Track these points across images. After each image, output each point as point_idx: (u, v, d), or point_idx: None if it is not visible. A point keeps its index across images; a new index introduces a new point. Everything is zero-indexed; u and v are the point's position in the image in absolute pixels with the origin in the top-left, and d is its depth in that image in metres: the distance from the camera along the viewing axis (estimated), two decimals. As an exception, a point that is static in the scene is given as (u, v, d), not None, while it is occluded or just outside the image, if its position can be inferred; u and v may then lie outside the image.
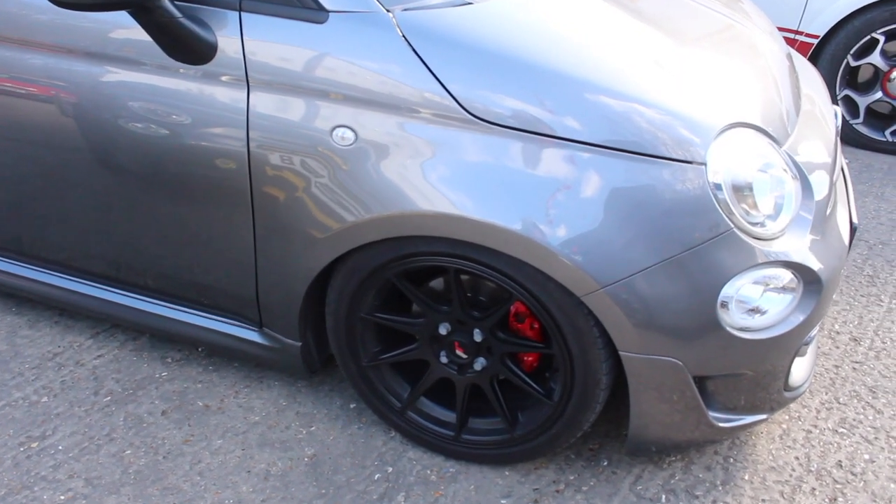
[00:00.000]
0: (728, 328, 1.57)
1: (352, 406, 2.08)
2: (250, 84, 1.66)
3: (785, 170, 1.61)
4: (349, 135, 1.61)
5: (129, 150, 1.82)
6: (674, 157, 1.51)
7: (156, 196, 1.87)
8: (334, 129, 1.62)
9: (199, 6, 1.69)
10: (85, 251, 2.10)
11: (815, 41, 3.94)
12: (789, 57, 2.25)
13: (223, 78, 1.68)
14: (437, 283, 1.83)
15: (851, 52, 3.91)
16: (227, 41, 1.67)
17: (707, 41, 1.96)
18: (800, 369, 1.85)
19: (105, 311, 2.18)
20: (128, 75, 1.78)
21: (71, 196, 1.99)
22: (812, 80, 2.36)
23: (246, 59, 1.66)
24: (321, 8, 1.61)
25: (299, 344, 1.91)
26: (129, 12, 1.61)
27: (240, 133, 1.69)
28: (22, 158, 2.00)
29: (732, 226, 1.51)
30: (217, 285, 1.95)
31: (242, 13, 1.66)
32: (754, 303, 1.59)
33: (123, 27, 1.75)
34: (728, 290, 1.54)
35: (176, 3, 1.63)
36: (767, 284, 1.59)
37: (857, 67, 4.01)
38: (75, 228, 2.06)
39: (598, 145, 1.51)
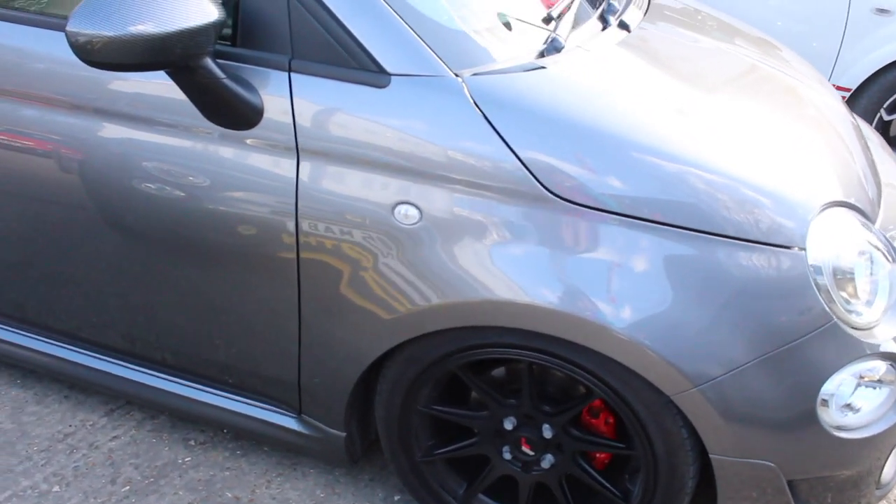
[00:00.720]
0: (827, 427, 1.44)
1: (396, 498, 1.89)
2: (300, 152, 1.50)
3: (882, 252, 1.48)
4: (413, 212, 1.45)
5: (148, 213, 1.66)
6: (770, 241, 1.39)
7: (176, 262, 1.70)
8: (396, 205, 1.45)
9: (243, 65, 1.52)
10: (95, 321, 1.92)
11: (847, 94, 3.84)
12: (853, 119, 2.12)
13: (269, 144, 1.52)
14: (501, 372, 1.65)
15: (884, 106, 3.81)
16: (274, 105, 1.51)
17: (777, 104, 1.84)
18: (891, 464, 1.69)
19: (119, 389, 2.00)
20: (154, 137, 1.61)
21: (79, 258, 1.83)
22: (874, 141, 2.23)
23: (296, 125, 1.51)
24: (382, 71, 1.45)
25: (344, 434, 1.73)
26: (167, 72, 1.44)
27: (287, 203, 1.53)
28: (25, 216, 1.84)
29: (834, 317, 1.39)
30: (247, 364, 1.77)
31: (292, 74, 1.50)
32: (848, 398, 1.45)
33: (149, 83, 1.58)
34: (829, 387, 1.42)
35: (219, 61, 1.46)
36: (862, 378, 1.46)
37: (890, 122, 3.91)
38: (84, 294, 1.89)
39: (693, 229, 1.38)
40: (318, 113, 1.50)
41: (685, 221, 1.38)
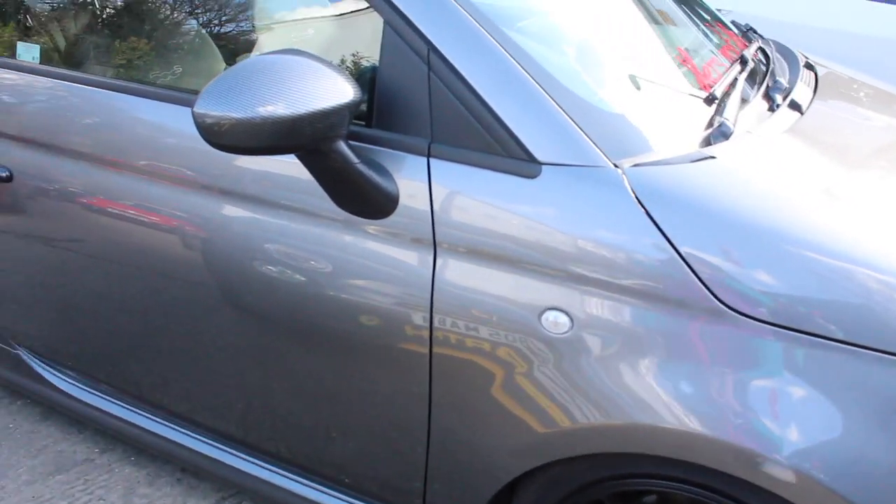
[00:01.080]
0: None
1: None
2: (437, 244, 1.37)
3: None
4: (563, 320, 1.28)
5: (268, 296, 1.56)
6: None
7: (295, 348, 1.59)
8: (544, 311, 1.29)
9: (378, 148, 1.40)
10: (210, 404, 1.83)
11: None
12: None
13: (402, 234, 1.39)
14: (652, 500, 1.44)
15: None
16: (411, 192, 1.39)
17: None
18: None
19: (231, 479, 1.88)
20: (278, 219, 1.50)
21: (197, 338, 1.74)
22: None
23: (434, 214, 1.37)
24: (532, 159, 1.30)
25: (470, 553, 1.55)
26: (296, 154, 1.33)
27: (420, 297, 1.40)
28: (146, 291, 1.77)
29: None
30: (366, 465, 1.63)
31: (432, 160, 1.37)
32: None
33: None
34: None
35: (352, 143, 1.35)
36: None
37: None
38: (200, 376, 1.80)
39: (877, 349, 1.17)
40: (459, 203, 1.36)
41: (872, 341, 1.17)
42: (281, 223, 1.52)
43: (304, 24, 1.67)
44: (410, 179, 1.39)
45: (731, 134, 1.42)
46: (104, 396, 2.07)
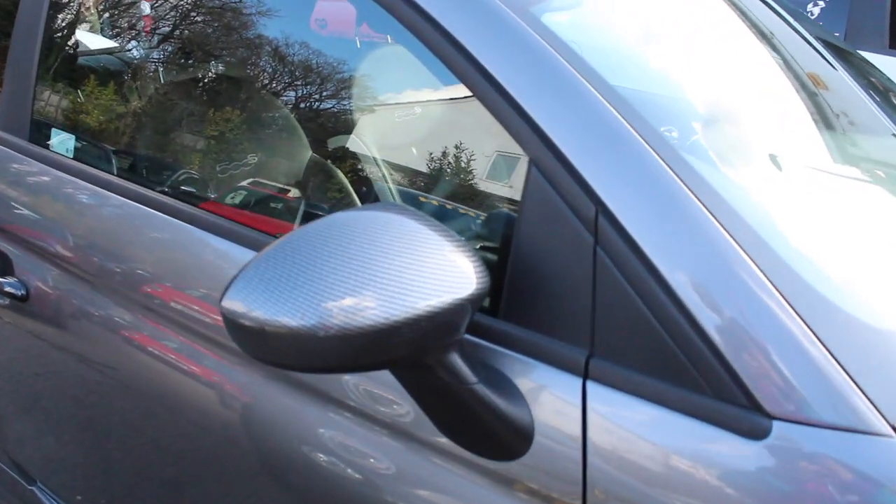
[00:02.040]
0: None
1: None
2: (591, 511, 0.85)
3: None
4: None
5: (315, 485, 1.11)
6: None
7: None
8: None
9: (502, 350, 0.92)
10: None
11: None
12: None
13: (537, 492, 0.91)
14: None
15: None
16: (553, 428, 0.91)
17: None
18: None
19: None
20: (357, 429, 1.02)
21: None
22: None
23: (587, 466, 0.88)
24: (758, 410, 0.80)
25: None
26: (392, 371, 0.85)
27: None
28: (176, 437, 1.37)
29: None
30: None
31: (590, 384, 0.88)
32: None
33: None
34: None
35: (468, 340, 0.90)
36: None
37: None
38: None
39: None
40: (631, 456, 0.87)
41: None
42: (339, 420, 1.03)
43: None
44: (555, 409, 0.90)
45: None
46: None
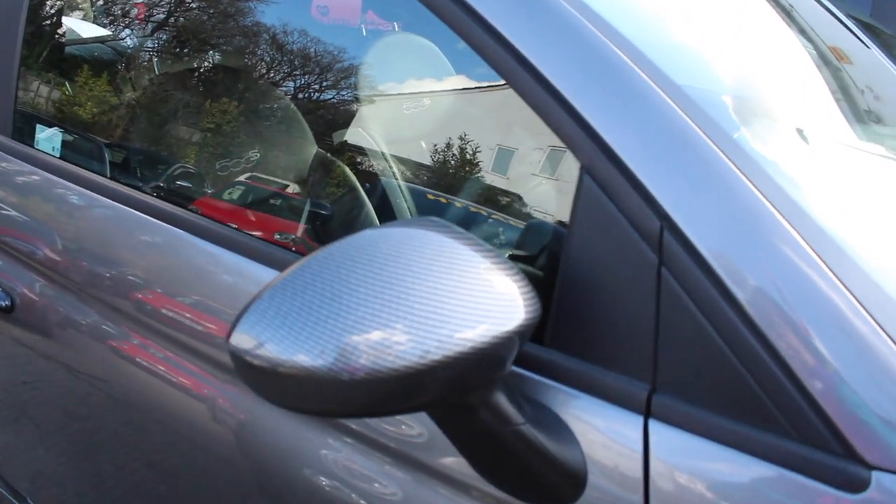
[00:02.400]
0: None
1: None
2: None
3: None
4: None
5: None
6: None
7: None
8: None
9: (556, 385, 0.81)
10: None
11: None
12: None
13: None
14: None
15: None
16: (610, 473, 0.80)
17: None
18: None
19: None
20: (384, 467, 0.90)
21: None
22: None
23: (649, 518, 0.74)
24: (855, 459, 0.67)
25: None
26: (430, 414, 0.74)
27: None
28: (171, 453, 1.24)
29: None
30: None
31: (653, 423, 0.77)
32: None
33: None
34: None
35: (515, 372, 0.80)
36: None
37: None
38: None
39: None
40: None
41: None
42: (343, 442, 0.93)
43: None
44: (612, 451, 0.79)
45: None
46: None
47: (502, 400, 0.75)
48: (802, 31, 1.36)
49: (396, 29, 1.19)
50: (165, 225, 1.14)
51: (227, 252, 1.07)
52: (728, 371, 0.75)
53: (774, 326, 0.74)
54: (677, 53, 0.96)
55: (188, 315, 1.11)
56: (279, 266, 0.99)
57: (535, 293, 0.74)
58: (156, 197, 1.21)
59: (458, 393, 0.72)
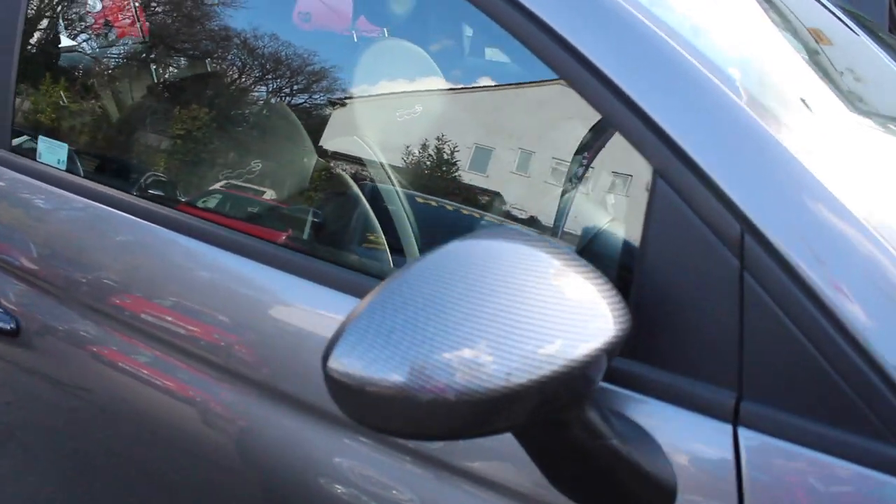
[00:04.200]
0: None
1: None
2: None
3: None
4: None
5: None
6: None
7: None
8: None
9: (639, 396, 0.78)
10: None
11: None
12: None
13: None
14: None
15: None
16: (702, 484, 0.78)
17: None
18: None
19: None
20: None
21: None
22: None
23: (745, 528, 0.73)
24: None
25: None
26: (515, 434, 0.71)
27: None
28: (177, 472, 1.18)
29: None
30: None
31: (742, 431, 0.75)
32: None
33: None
34: None
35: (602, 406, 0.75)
36: None
37: None
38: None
39: None
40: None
41: None
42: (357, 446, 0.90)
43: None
44: (701, 461, 0.77)
45: None
46: None
47: (594, 415, 0.73)
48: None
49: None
50: (173, 233, 1.10)
51: (247, 261, 1.03)
52: (818, 375, 0.74)
53: (865, 329, 0.73)
54: (736, 51, 0.95)
55: (201, 327, 1.07)
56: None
57: (626, 307, 0.72)
58: (160, 205, 1.16)
59: (550, 412, 0.70)
